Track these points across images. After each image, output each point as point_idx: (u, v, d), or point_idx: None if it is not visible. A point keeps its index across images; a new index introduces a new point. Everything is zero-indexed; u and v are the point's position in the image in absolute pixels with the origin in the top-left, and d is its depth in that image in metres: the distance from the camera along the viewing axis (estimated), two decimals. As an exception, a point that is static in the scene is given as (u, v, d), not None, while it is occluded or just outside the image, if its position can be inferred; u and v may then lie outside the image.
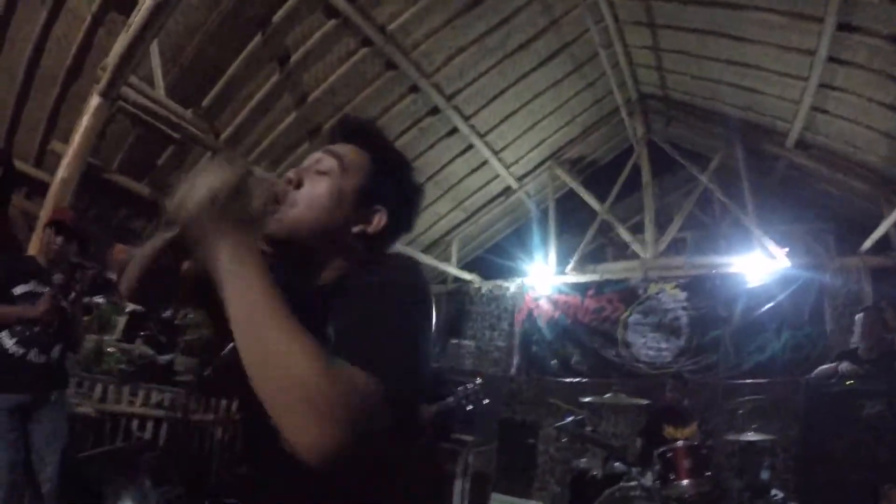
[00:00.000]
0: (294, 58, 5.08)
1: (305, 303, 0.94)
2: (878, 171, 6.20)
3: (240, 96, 5.14)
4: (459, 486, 5.37)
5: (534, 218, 8.71)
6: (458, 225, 8.59)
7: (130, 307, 4.70)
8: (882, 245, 6.43)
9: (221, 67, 4.82)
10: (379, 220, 1.19)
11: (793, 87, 5.66)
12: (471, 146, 7.10)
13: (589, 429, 5.50)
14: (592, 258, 8.25)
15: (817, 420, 4.58)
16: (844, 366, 4.44)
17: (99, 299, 4.00)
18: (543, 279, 8.15)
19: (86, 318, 3.79)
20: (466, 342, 8.54)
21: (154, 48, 4.08)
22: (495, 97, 6.67)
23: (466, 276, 8.73)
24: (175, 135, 4.69)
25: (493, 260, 8.99)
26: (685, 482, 4.40)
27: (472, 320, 8.67)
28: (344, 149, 1.23)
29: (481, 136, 7.03)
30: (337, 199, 1.16)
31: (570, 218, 8.31)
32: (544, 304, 8.10)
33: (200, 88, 4.87)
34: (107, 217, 5.29)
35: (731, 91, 6.44)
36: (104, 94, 3.71)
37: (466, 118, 6.68)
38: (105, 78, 3.64)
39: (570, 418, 5.35)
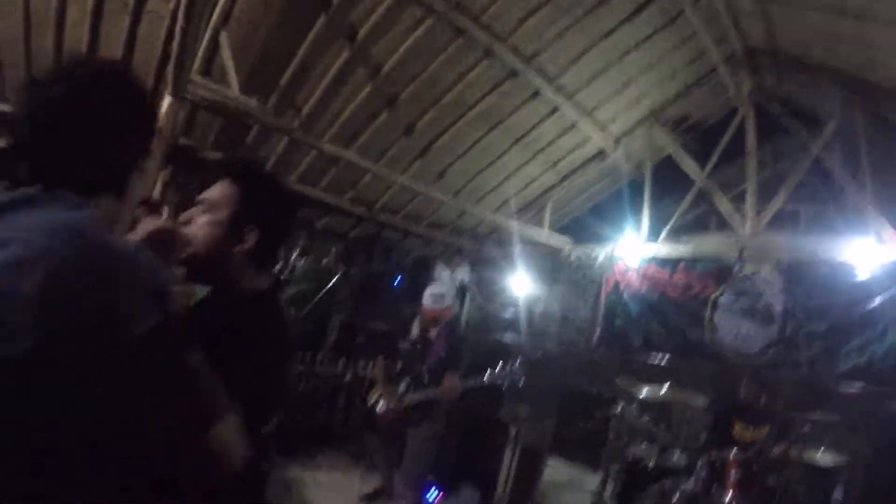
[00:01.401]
0: (361, 33, 5.58)
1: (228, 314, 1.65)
2: None
3: (314, 76, 5.82)
4: (507, 458, 5.80)
5: (631, 183, 9.04)
6: (552, 188, 9.11)
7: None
8: None
9: (292, 52, 5.52)
10: (251, 237, 1.74)
11: None
12: (557, 108, 7.37)
13: (646, 418, 5.87)
14: (688, 230, 8.55)
15: (886, 462, 4.45)
16: None
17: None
18: (633, 249, 8.56)
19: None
20: (552, 310, 9.22)
21: (224, 41, 4.87)
22: (580, 56, 6.80)
23: (558, 240, 9.32)
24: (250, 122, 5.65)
25: (587, 225, 9.66)
26: (727, 496, 4.68)
27: (560, 286, 9.31)
28: (214, 189, 1.78)
29: (568, 96, 7.26)
30: (213, 230, 1.70)
31: (669, 185, 8.62)
32: (632, 276, 8.50)
33: (273, 76, 5.65)
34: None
35: (849, 44, 6.10)
36: (174, 94, 4.40)
37: (550, 79, 6.91)
38: (170, 76, 4.25)
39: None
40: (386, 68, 6.03)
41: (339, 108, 6.31)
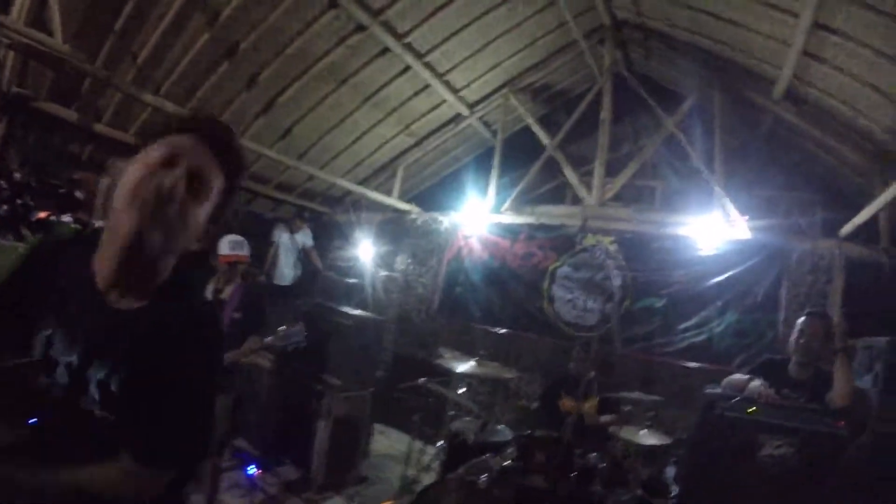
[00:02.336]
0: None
1: None
2: (877, 143, 6.28)
3: (149, 23, 5.88)
4: (321, 431, 5.98)
5: (489, 151, 9.58)
6: (405, 152, 9.63)
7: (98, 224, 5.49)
8: (870, 233, 6.73)
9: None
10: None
11: (783, 22, 5.60)
12: (408, 67, 7.69)
13: (462, 390, 6.00)
14: (537, 200, 9.21)
15: (704, 444, 4.45)
16: (756, 385, 4.29)
17: (66, 217, 4.69)
18: (478, 216, 9.18)
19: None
20: (395, 275, 9.71)
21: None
22: (432, 14, 7.03)
23: (405, 205, 9.78)
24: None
25: (442, 192, 10.08)
26: (535, 476, 4.73)
27: (404, 253, 9.79)
28: (196, 158, 1.73)
29: (419, 56, 7.56)
30: (205, 218, 1.73)
31: (529, 155, 9.16)
32: (474, 244, 9.17)
33: (108, 24, 5.73)
34: (45, 143, 6.43)
35: (715, 22, 6.51)
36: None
37: (399, 37, 7.12)
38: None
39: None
40: (225, 15, 6.11)
41: (177, 57, 6.36)
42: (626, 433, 5.16)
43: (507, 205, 9.01)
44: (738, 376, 4.55)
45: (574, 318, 8.24)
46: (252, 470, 5.85)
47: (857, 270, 6.80)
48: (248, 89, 7.18)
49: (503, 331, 8.68)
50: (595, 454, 5.21)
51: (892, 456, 4.24)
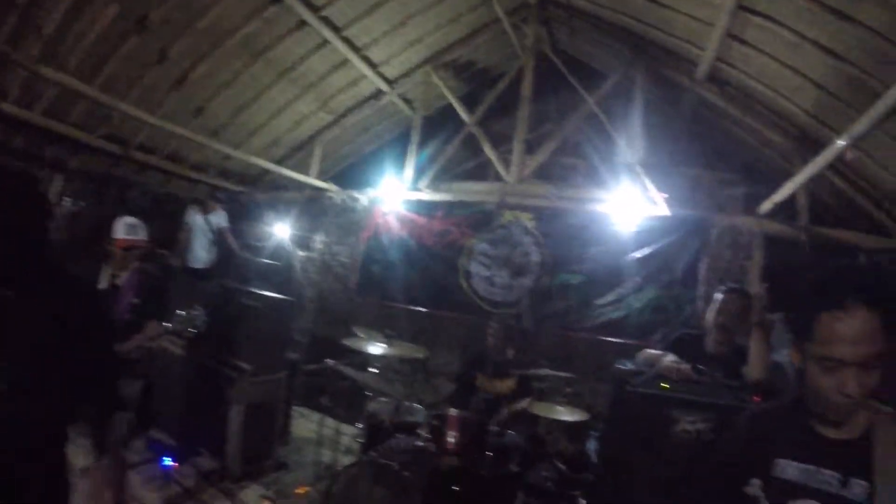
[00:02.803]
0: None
1: None
2: (799, 125, 6.65)
3: None
4: (234, 417, 5.98)
5: (410, 128, 9.68)
6: (323, 129, 9.82)
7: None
8: (789, 212, 7.06)
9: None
10: None
11: (707, 3, 5.82)
12: (326, 42, 7.79)
13: (374, 371, 5.99)
14: (460, 178, 9.48)
15: (618, 421, 4.48)
16: (669, 360, 4.27)
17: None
18: (396, 193, 9.42)
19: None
20: (313, 255, 9.95)
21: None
22: None
23: (323, 184, 9.94)
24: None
25: (363, 171, 10.27)
26: (446, 458, 4.82)
27: (323, 232, 10.01)
28: None
29: (337, 29, 7.68)
30: None
31: (449, 132, 9.51)
32: (392, 222, 9.45)
33: None
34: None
35: (640, 2, 6.73)
36: None
37: (316, 9, 7.21)
38: None
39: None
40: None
41: (84, 31, 6.33)
42: (543, 410, 5.31)
43: (425, 182, 9.26)
44: (651, 351, 4.59)
45: (492, 295, 8.53)
46: (167, 462, 5.82)
47: (776, 247, 7.14)
48: (160, 64, 7.17)
49: (422, 309, 8.98)
50: (512, 433, 5.41)
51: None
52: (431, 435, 4.96)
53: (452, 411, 4.99)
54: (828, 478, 1.91)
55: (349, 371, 5.62)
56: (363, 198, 9.88)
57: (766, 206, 6.81)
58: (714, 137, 8.33)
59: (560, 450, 5.83)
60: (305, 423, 7.06)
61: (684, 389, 4.07)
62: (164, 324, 4.82)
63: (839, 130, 4.96)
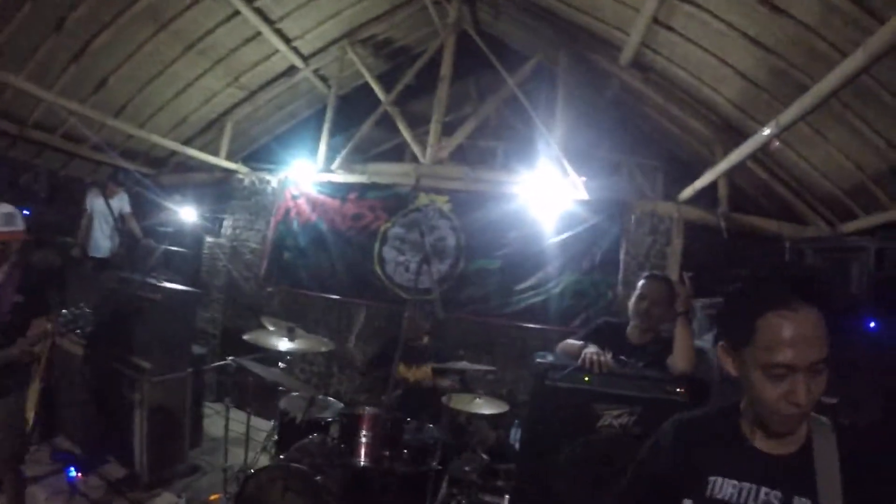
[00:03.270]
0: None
1: None
2: (722, 115, 6.87)
3: None
4: (139, 421, 5.90)
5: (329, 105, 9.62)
6: (235, 106, 9.72)
7: None
8: (709, 199, 7.35)
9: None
10: None
11: None
12: (237, 12, 7.61)
13: (283, 365, 5.92)
14: (375, 159, 9.60)
15: (541, 415, 4.43)
16: (590, 351, 4.30)
17: None
18: (307, 175, 9.41)
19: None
20: (222, 241, 9.90)
21: None
22: None
23: (231, 164, 9.89)
24: None
25: (277, 152, 10.20)
26: (360, 458, 4.71)
27: (232, 216, 9.96)
28: None
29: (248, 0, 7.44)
30: None
31: (366, 112, 9.39)
32: (303, 205, 9.42)
33: None
34: None
35: None
36: None
37: None
38: None
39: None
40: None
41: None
42: (462, 403, 5.42)
43: (337, 162, 9.29)
44: (571, 342, 4.66)
45: (407, 281, 8.55)
46: (73, 473, 5.72)
47: (696, 233, 7.47)
48: (57, 33, 6.95)
49: (336, 297, 9.04)
50: (431, 426, 5.46)
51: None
52: (343, 435, 4.94)
53: (364, 409, 4.91)
54: (770, 498, 1.79)
55: (256, 368, 5.37)
56: (273, 179, 9.83)
57: (687, 192, 7.12)
58: (636, 124, 8.70)
59: (482, 439, 6.06)
60: (219, 421, 6.89)
61: (607, 382, 4.17)
62: (52, 322, 4.52)
63: (763, 121, 5.16)
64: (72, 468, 5.70)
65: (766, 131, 4.65)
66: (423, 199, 8.66)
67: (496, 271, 8.20)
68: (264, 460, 5.70)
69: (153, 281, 6.39)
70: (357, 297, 8.90)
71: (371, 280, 8.80)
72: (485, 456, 5.71)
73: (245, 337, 5.50)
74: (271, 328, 5.81)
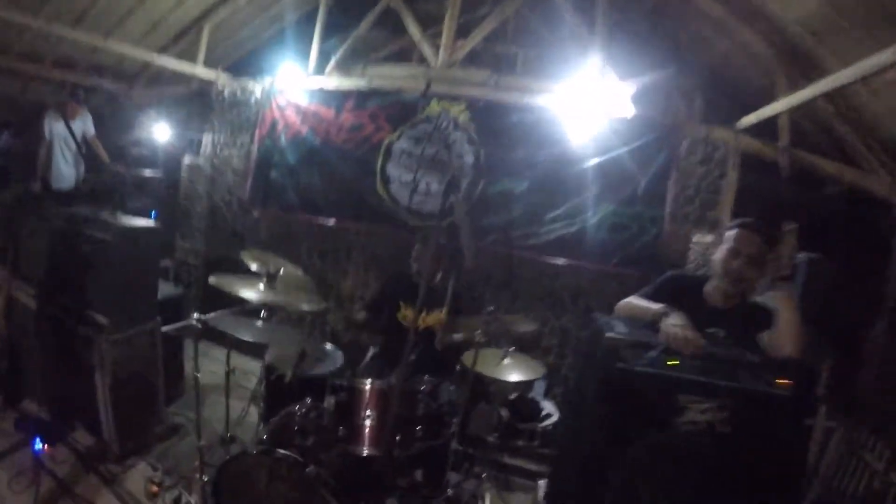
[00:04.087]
0: None
1: None
2: (787, 35, 5.86)
3: None
4: (101, 385, 5.04)
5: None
6: (213, 7, 8.45)
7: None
8: (767, 133, 6.50)
9: None
10: None
11: None
12: None
13: (264, 314, 4.70)
14: (373, 63, 8.25)
15: (604, 409, 3.26)
16: (675, 324, 3.25)
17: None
18: (295, 81, 8.13)
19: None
20: (201, 162, 8.79)
21: None
22: None
23: (209, 73, 8.73)
24: None
25: (264, 60, 8.93)
26: (362, 446, 3.94)
27: (212, 133, 8.80)
28: None
29: None
30: None
31: (364, 10, 8.17)
32: (291, 116, 8.13)
33: None
34: None
35: None
36: None
37: None
38: None
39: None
40: None
41: None
42: (483, 364, 4.47)
43: (331, 65, 8.06)
44: (635, 301, 3.76)
45: (416, 204, 7.53)
46: (38, 445, 4.87)
47: (752, 169, 6.61)
48: None
49: (330, 222, 7.98)
50: (449, 386, 4.73)
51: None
52: (341, 415, 4.02)
53: (365, 383, 4.06)
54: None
55: (228, 326, 4.23)
56: (257, 88, 8.57)
57: (749, 119, 6.26)
58: (676, 39, 7.52)
59: (500, 389, 5.26)
60: (207, 365, 5.75)
61: (695, 366, 3.11)
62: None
63: (841, 54, 4.81)
64: (38, 439, 4.84)
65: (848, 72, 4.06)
66: (434, 106, 7.42)
67: (522, 195, 7.11)
68: (254, 415, 5.15)
69: (106, 216, 5.31)
70: (355, 220, 7.85)
71: (372, 201, 7.69)
72: (503, 412, 4.98)
73: (211, 281, 4.28)
74: (254, 266, 4.91)
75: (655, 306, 3.48)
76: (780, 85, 5.92)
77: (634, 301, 3.75)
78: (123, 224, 5.30)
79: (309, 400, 4.17)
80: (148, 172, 8.64)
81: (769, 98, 5.88)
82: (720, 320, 3.42)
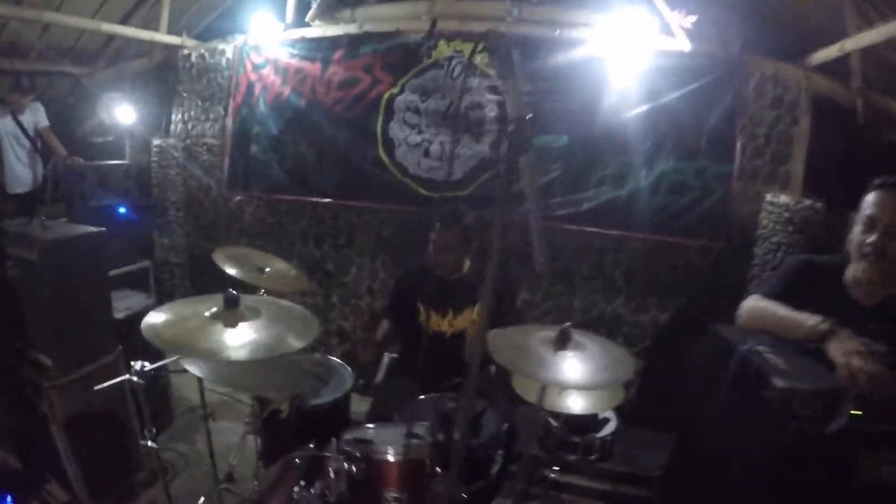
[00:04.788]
0: None
1: None
2: None
3: None
4: (60, 438, 4.20)
5: None
6: None
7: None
8: (839, 72, 5.58)
9: None
10: None
11: None
12: None
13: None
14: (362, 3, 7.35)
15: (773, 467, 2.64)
16: (850, 350, 2.34)
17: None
18: (272, 35, 7.05)
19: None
20: (172, 141, 7.66)
21: None
22: None
23: (173, 39, 7.63)
24: None
25: (235, 22, 7.76)
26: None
27: (180, 108, 7.72)
28: None
29: None
30: None
31: None
32: (269, 75, 6.88)
33: None
34: None
35: None
36: None
37: None
38: None
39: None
40: None
41: None
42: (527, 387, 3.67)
43: (313, 11, 6.81)
44: (775, 307, 2.82)
45: (427, 172, 6.33)
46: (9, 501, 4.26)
47: (824, 108, 5.64)
48: None
49: (324, 200, 6.80)
50: (491, 415, 3.48)
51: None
52: (355, 497, 2.85)
53: (388, 453, 2.88)
54: None
55: (201, 371, 3.63)
56: (228, 48, 7.28)
57: (820, 56, 5.35)
58: None
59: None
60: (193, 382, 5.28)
61: (875, 415, 2.25)
62: None
63: None
64: (8, 497, 4.16)
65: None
66: (443, 48, 6.16)
67: (561, 153, 5.92)
68: (251, 450, 4.04)
69: (32, 229, 4.33)
70: (355, 197, 6.62)
71: (373, 172, 6.49)
72: (553, 421, 3.92)
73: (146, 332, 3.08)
74: (229, 269, 4.24)
75: (810, 319, 2.60)
76: (850, 17, 4.93)
77: (772, 307, 2.84)
78: (50, 237, 4.27)
79: (306, 476, 2.97)
80: (111, 163, 7.49)
81: (832, 35, 5.12)
82: (870, 321, 2.56)
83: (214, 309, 3.00)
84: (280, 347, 2.92)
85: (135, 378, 3.26)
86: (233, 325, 2.94)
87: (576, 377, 2.86)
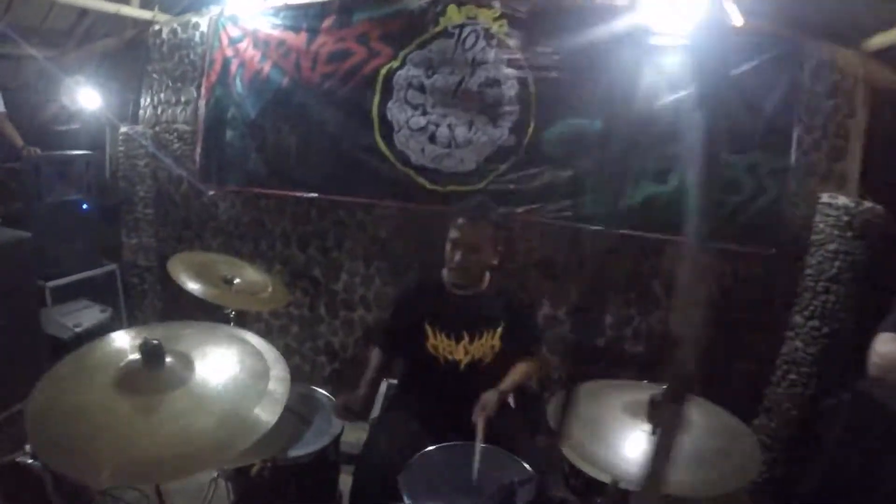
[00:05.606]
0: None
1: None
2: None
3: None
4: None
5: None
6: None
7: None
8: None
9: None
10: None
11: None
12: None
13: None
14: None
15: None
16: None
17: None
18: (253, 4, 6.15)
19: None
20: (140, 128, 6.84)
21: None
22: None
23: (144, 13, 6.82)
24: None
25: None
26: None
27: (150, 91, 6.89)
28: None
29: None
30: None
31: None
32: (247, 49, 5.91)
33: None
34: None
35: None
36: None
37: None
38: None
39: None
40: None
41: None
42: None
43: None
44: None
45: (432, 162, 5.39)
46: None
47: (880, 98, 5.10)
48: None
49: (310, 195, 5.90)
50: (518, 464, 2.93)
51: None
52: None
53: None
54: None
55: None
56: (203, 21, 6.45)
57: (877, 41, 4.81)
58: None
59: None
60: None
61: None
62: None
63: None
64: None
65: None
66: (453, 14, 5.19)
67: (593, 141, 5.10)
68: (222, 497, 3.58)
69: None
70: (344, 192, 5.68)
71: (367, 162, 5.53)
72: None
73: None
74: (189, 284, 3.61)
75: None
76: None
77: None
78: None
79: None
80: (73, 153, 6.79)
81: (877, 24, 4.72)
82: None
83: (123, 369, 2.10)
84: (232, 442, 1.98)
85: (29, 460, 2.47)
86: (154, 401, 2.03)
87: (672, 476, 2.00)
